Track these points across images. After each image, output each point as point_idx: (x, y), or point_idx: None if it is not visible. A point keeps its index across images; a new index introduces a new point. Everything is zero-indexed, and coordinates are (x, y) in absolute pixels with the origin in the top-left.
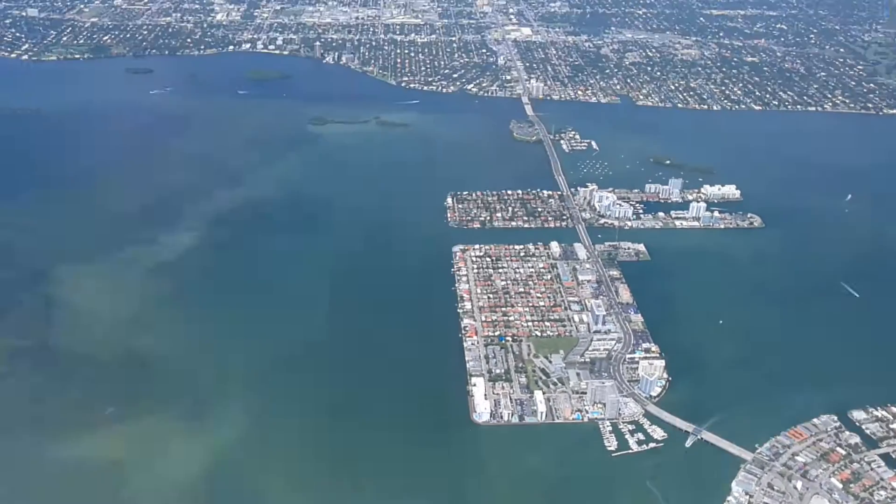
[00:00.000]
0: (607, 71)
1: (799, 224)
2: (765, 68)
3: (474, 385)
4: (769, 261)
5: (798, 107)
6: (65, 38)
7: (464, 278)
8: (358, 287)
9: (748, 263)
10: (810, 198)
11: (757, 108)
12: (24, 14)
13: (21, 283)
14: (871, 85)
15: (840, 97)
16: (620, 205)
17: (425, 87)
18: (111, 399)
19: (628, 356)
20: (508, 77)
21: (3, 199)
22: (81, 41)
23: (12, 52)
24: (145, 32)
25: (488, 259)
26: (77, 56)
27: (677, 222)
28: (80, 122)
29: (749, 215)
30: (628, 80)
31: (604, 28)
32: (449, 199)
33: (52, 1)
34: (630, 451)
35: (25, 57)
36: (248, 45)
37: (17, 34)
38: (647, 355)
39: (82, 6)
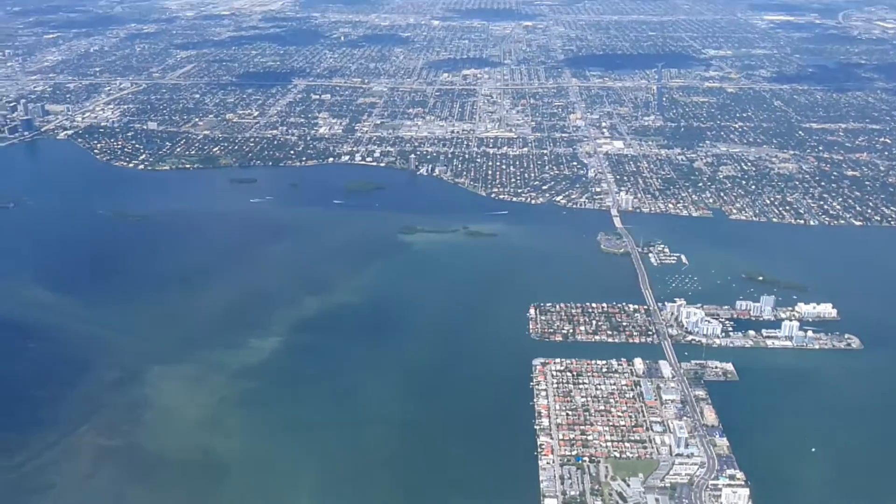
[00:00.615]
0: (700, 184)
1: None
2: (867, 182)
3: None
4: (868, 386)
5: None
6: (178, 149)
7: (542, 393)
8: (432, 397)
9: (845, 388)
10: None
11: (857, 223)
12: (144, 127)
13: (115, 383)
14: None
15: None
16: (709, 321)
17: (514, 199)
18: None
19: (711, 482)
20: (598, 189)
21: (105, 300)
22: (193, 152)
23: (130, 161)
24: (252, 144)
25: (569, 374)
26: (188, 166)
27: (768, 342)
28: (183, 229)
29: (847, 336)
30: (721, 194)
31: (698, 141)
32: (532, 311)
33: (171, 115)
34: None
35: (141, 167)
36: (346, 157)
37: (137, 146)
38: (732, 482)
39: (197, 120)
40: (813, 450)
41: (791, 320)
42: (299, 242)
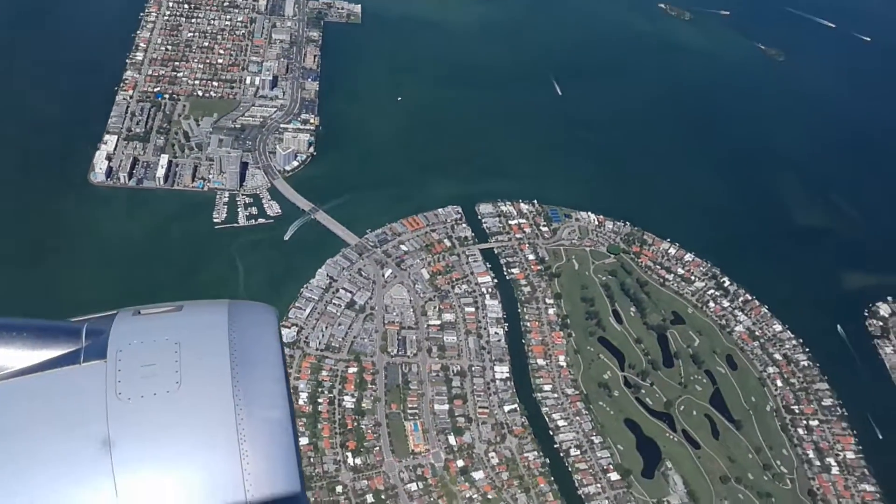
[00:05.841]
0: None
1: None
2: None
3: (105, 143)
4: (491, 38)
5: None
6: None
7: (150, 26)
8: (32, 22)
9: (466, 39)
10: None
11: None
12: None
13: None
14: None
15: None
16: None
17: None
18: None
19: (283, 125)
20: None
21: None
22: None
23: None
24: None
25: (187, 6)
26: None
27: None
28: None
29: None
30: None
31: None
32: None
33: None
34: (235, 224)
35: None
36: None
37: None
38: (302, 127)
39: None
40: (399, 98)
41: None
42: None
